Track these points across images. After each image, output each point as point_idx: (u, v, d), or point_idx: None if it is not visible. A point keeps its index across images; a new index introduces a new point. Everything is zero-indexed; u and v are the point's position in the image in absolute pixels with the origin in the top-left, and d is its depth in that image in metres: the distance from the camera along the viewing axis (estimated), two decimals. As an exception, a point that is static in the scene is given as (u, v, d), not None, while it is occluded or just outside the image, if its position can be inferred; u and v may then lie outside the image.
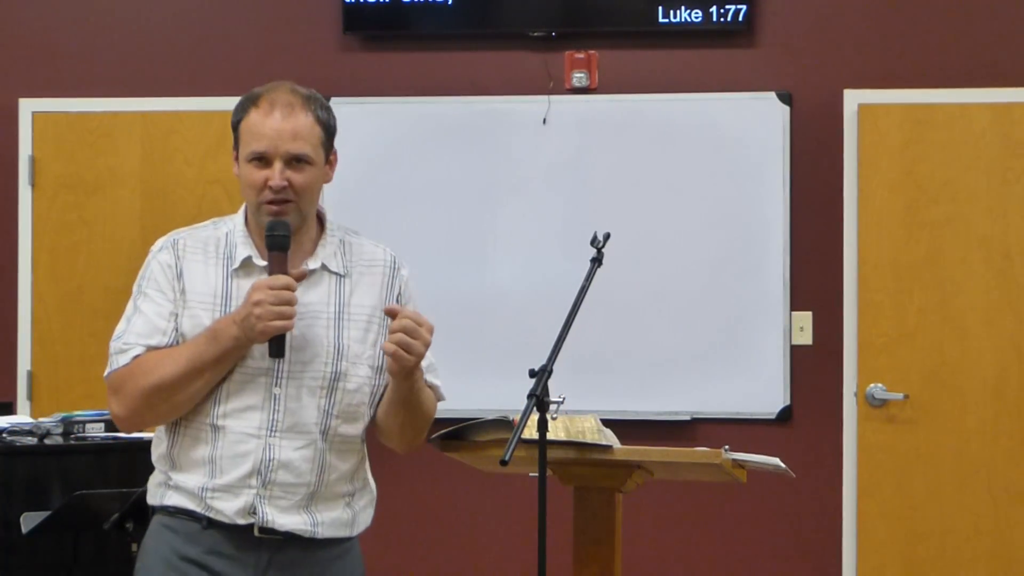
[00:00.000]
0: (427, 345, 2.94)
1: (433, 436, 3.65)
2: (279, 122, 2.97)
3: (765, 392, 6.22)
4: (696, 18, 6.22)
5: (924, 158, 6.16)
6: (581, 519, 3.62)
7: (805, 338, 6.23)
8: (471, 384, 6.22)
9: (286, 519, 2.97)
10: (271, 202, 2.96)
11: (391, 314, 2.96)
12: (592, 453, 3.53)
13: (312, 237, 3.06)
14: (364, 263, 3.08)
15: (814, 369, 6.22)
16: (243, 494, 2.96)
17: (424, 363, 3.02)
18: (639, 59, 6.34)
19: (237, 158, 3.03)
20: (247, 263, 3.01)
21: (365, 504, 3.14)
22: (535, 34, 6.34)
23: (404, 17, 6.35)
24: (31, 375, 6.47)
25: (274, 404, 2.96)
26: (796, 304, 6.24)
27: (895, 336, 6.16)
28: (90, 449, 4.84)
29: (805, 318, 6.23)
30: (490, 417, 3.55)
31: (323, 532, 3.02)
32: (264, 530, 2.97)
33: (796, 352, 6.23)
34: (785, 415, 6.22)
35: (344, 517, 3.06)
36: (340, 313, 3.01)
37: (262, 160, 2.97)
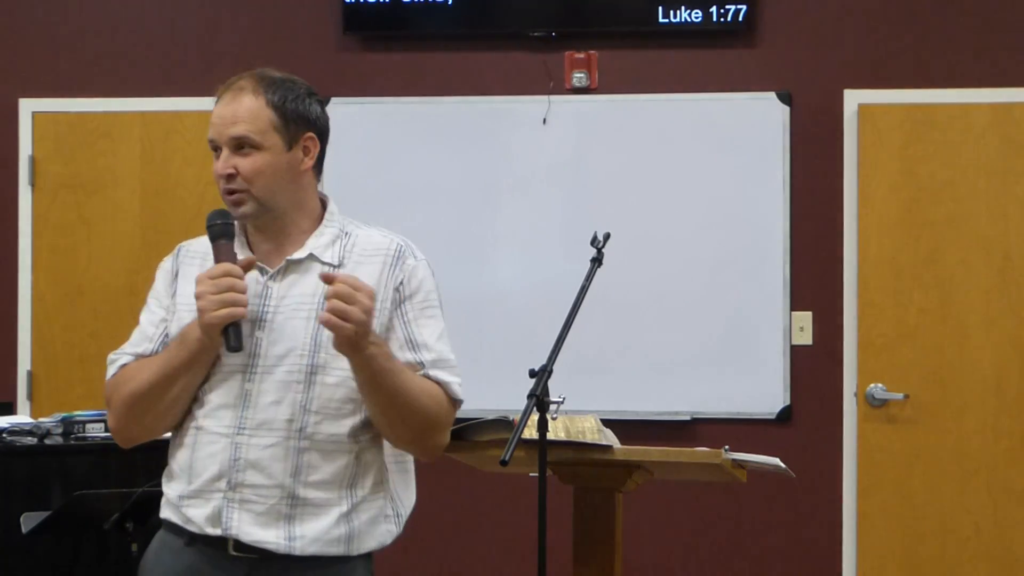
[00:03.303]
0: (367, 312, 2.69)
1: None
2: (224, 107, 2.87)
3: (765, 392, 6.22)
4: (696, 18, 6.22)
5: (924, 158, 6.16)
6: (581, 519, 3.62)
7: (805, 338, 6.23)
8: (471, 384, 6.18)
9: (258, 532, 2.79)
10: (226, 192, 2.85)
11: (327, 281, 2.73)
12: (592, 453, 3.53)
13: (304, 228, 2.91)
14: (365, 253, 2.90)
15: (814, 369, 6.22)
16: (212, 499, 2.81)
17: (428, 356, 2.88)
18: (639, 59, 6.34)
19: None
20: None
21: (373, 519, 2.90)
22: (535, 34, 6.34)
23: (404, 17, 6.34)
24: (31, 375, 6.47)
25: (245, 401, 2.81)
26: (796, 304, 6.24)
27: (895, 336, 6.16)
28: (90, 449, 4.84)
29: (805, 318, 6.23)
30: (490, 417, 3.54)
31: (302, 548, 2.80)
32: (238, 547, 2.80)
33: (796, 352, 6.23)
34: (785, 415, 6.22)
35: (336, 533, 2.83)
36: (324, 304, 2.77)
37: (217, 149, 2.87)
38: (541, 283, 6.22)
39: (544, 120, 6.32)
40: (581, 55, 6.34)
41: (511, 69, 6.37)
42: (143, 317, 2.95)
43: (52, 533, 4.56)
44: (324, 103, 3.01)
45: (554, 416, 3.31)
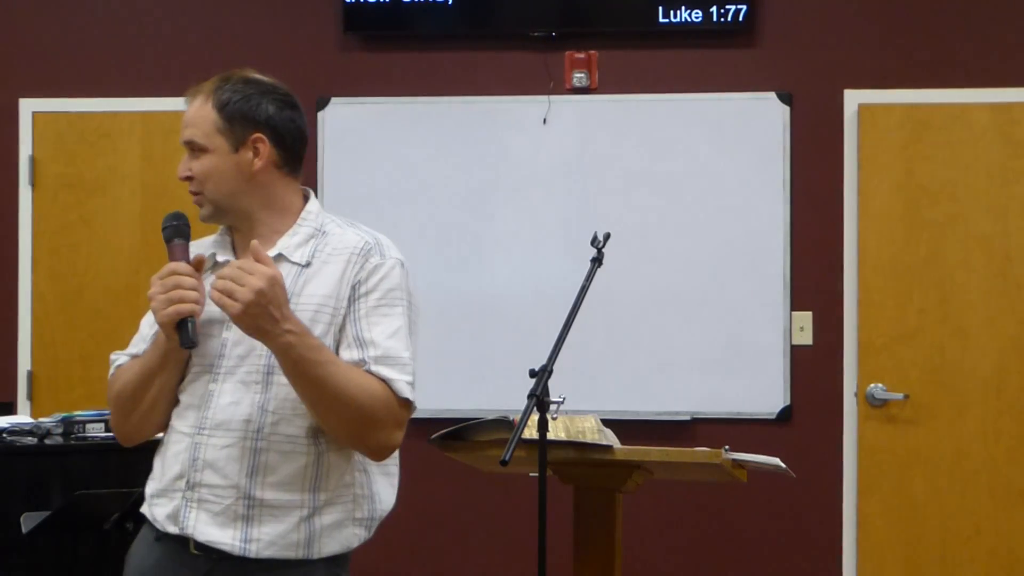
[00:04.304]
0: (255, 291, 2.66)
1: (433, 436, 3.65)
2: (186, 110, 3.00)
3: (765, 392, 6.22)
4: (696, 18, 6.22)
5: (924, 158, 6.16)
6: (581, 519, 3.62)
7: (805, 338, 6.23)
8: (471, 384, 6.22)
9: (212, 531, 2.80)
10: (191, 193, 2.95)
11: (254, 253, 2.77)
12: (592, 453, 3.54)
13: (277, 228, 2.90)
14: (334, 252, 2.88)
15: (814, 369, 6.22)
16: (174, 498, 2.84)
17: (373, 353, 2.80)
18: (639, 59, 6.34)
19: None
20: (214, 261, 2.93)
21: (338, 522, 2.85)
22: (535, 34, 6.34)
23: (404, 17, 6.34)
24: (31, 375, 6.47)
25: (208, 401, 2.83)
26: (796, 304, 6.24)
27: (895, 336, 6.16)
28: (90, 449, 4.84)
29: (805, 318, 6.23)
30: (490, 417, 3.55)
31: (256, 551, 2.79)
32: (199, 547, 2.81)
33: (796, 352, 6.23)
34: (785, 415, 6.22)
35: (295, 536, 2.81)
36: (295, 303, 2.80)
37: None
38: (541, 283, 6.22)
39: (544, 120, 6.32)
40: (581, 55, 6.34)
41: (511, 69, 6.37)
42: (143, 319, 2.99)
43: (52, 533, 4.56)
44: (287, 103, 2.96)
45: (554, 416, 3.31)
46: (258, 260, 2.72)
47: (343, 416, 2.77)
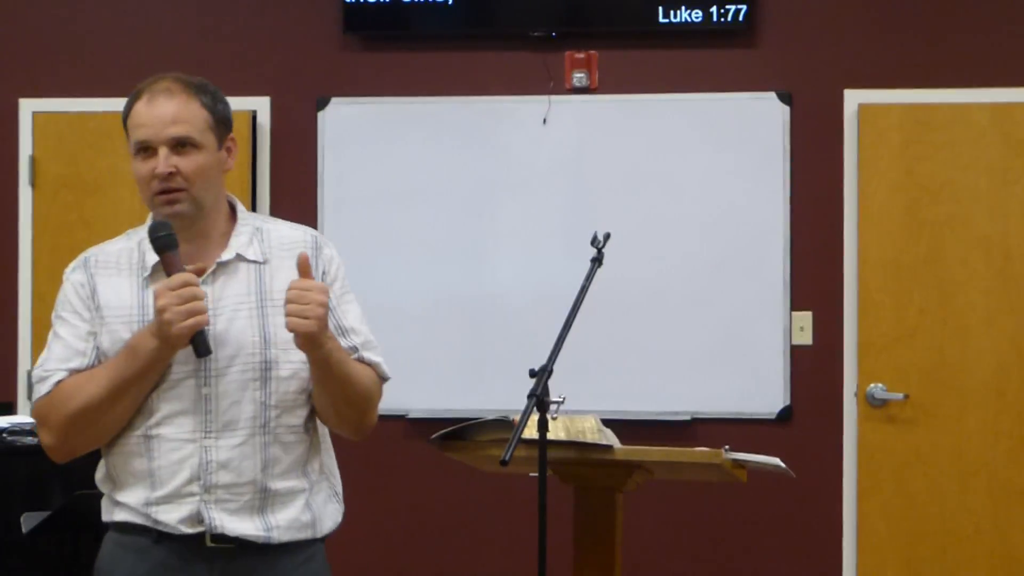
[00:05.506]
0: (322, 305, 2.77)
1: (433, 436, 3.65)
2: (159, 108, 2.91)
3: (765, 392, 6.22)
4: (696, 18, 6.22)
5: (924, 158, 6.16)
6: (581, 519, 3.62)
7: (805, 338, 6.23)
8: (471, 384, 6.22)
9: (237, 524, 2.86)
10: (161, 192, 2.87)
11: (302, 263, 2.84)
12: (592, 453, 3.54)
13: (222, 229, 2.97)
14: (284, 247, 2.96)
15: (814, 369, 6.22)
16: (186, 502, 2.86)
17: (359, 340, 2.97)
18: (639, 59, 6.34)
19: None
20: (157, 268, 2.90)
21: (325, 499, 3.00)
22: (535, 34, 6.34)
23: (404, 17, 6.34)
24: (31, 375, 6.47)
25: (205, 405, 2.86)
26: (796, 304, 6.24)
27: (895, 336, 6.16)
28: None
29: (805, 318, 6.23)
30: (490, 417, 3.55)
31: (279, 536, 2.90)
32: (216, 538, 2.86)
33: (796, 352, 6.23)
34: (785, 415, 6.22)
35: (304, 518, 2.94)
36: (263, 301, 2.90)
37: (147, 150, 2.90)
38: (541, 283, 6.22)
39: (544, 120, 6.32)
40: (581, 55, 6.34)
41: (511, 69, 6.37)
42: (64, 331, 2.93)
43: (52, 533, 4.56)
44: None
45: (554, 416, 3.31)
46: (304, 273, 2.81)
47: (356, 405, 2.95)
